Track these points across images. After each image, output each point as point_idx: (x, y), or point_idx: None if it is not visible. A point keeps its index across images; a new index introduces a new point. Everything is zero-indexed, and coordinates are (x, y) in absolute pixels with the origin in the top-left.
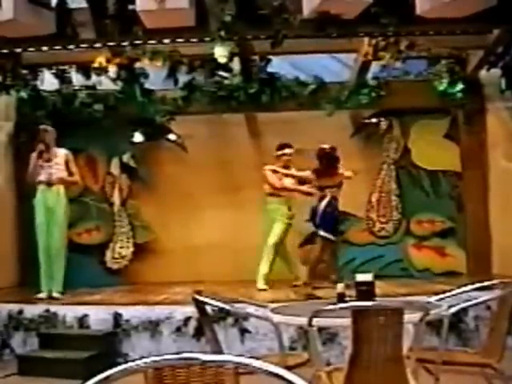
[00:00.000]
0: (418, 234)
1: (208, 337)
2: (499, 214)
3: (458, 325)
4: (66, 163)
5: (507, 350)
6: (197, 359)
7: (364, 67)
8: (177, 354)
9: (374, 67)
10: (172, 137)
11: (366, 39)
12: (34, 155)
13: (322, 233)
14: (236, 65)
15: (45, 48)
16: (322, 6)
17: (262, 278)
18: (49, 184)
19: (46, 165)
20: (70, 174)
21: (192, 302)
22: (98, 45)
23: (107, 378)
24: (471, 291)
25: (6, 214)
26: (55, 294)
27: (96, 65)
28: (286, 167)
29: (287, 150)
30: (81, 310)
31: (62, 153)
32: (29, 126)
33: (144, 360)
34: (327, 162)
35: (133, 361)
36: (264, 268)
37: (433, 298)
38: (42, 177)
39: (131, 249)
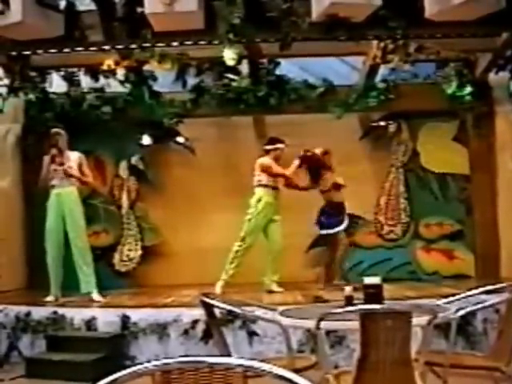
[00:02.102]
0: (427, 236)
1: (216, 339)
2: (508, 216)
3: (466, 328)
4: (79, 166)
5: None
6: (205, 362)
7: (372, 70)
8: (185, 356)
9: (383, 70)
10: (180, 139)
11: (375, 42)
12: (46, 159)
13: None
14: (244, 67)
15: (53, 50)
16: (331, 9)
17: (275, 280)
18: (64, 187)
19: (59, 169)
20: (84, 176)
21: (200, 304)
22: (106, 47)
23: (115, 380)
24: (480, 294)
25: (14, 217)
26: (96, 297)
27: (104, 67)
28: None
29: (280, 145)
30: (88, 313)
31: (75, 156)
32: (37, 128)
33: (152, 363)
34: None
35: (141, 363)
36: (275, 270)
37: (441, 301)
38: (56, 181)
39: (139, 251)
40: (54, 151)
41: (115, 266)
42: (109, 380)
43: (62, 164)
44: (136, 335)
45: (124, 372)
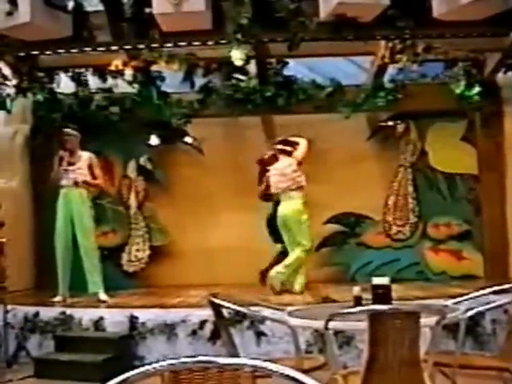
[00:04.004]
0: (435, 237)
1: (224, 340)
2: None
3: (474, 328)
4: (90, 166)
5: None
6: (214, 362)
7: (381, 70)
8: (194, 357)
9: (391, 70)
10: (188, 140)
11: (383, 42)
12: (58, 158)
13: None
14: (252, 68)
15: (61, 51)
16: (339, 8)
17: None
18: (72, 187)
19: (69, 169)
20: (94, 177)
21: (208, 304)
22: (114, 48)
23: (125, 380)
24: (488, 294)
25: (22, 217)
26: (102, 297)
27: (112, 68)
28: None
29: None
30: (97, 313)
31: (85, 156)
32: (45, 128)
33: (162, 363)
34: None
35: (150, 364)
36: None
37: (450, 302)
38: (65, 181)
39: (147, 252)
40: (61, 153)
41: (123, 266)
42: (119, 380)
43: (71, 164)
44: (144, 335)
45: (134, 372)
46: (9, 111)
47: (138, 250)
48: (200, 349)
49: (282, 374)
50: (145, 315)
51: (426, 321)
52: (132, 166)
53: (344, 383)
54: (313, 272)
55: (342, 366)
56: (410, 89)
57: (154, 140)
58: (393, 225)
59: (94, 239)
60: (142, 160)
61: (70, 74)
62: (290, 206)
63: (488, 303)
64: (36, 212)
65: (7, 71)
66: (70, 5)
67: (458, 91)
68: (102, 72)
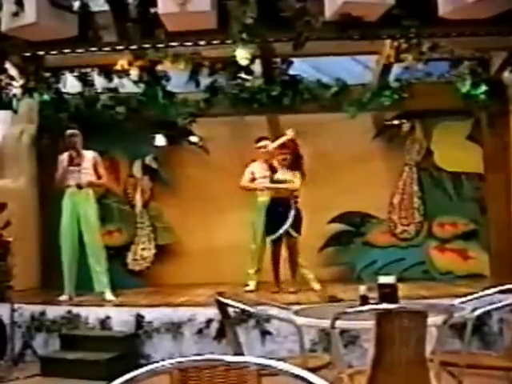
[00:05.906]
0: (441, 236)
1: (229, 338)
2: None
3: (481, 328)
4: (94, 166)
5: None
6: (222, 360)
7: (386, 69)
8: (201, 355)
9: (396, 69)
10: (194, 139)
11: (388, 41)
12: (62, 159)
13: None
14: (258, 67)
15: (67, 51)
16: (344, 8)
17: None
18: (78, 188)
19: (75, 169)
20: (99, 176)
21: (214, 303)
22: (120, 47)
23: (133, 378)
24: (495, 294)
25: (29, 216)
26: (108, 297)
27: (118, 67)
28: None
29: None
30: (103, 312)
31: (89, 156)
32: (51, 128)
33: (170, 361)
34: None
35: (156, 362)
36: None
37: (456, 301)
38: (71, 181)
39: (153, 251)
40: (72, 152)
41: (129, 265)
42: (127, 378)
43: (78, 164)
44: (150, 334)
45: (142, 370)
46: (15, 111)
47: (143, 249)
48: (206, 347)
49: (289, 372)
50: (151, 314)
51: (433, 320)
52: (138, 165)
53: (350, 382)
54: (318, 271)
55: (347, 366)
56: (415, 88)
57: (159, 139)
58: (398, 224)
59: (100, 238)
60: (148, 159)
61: (75, 73)
62: None
63: (494, 303)
64: (42, 211)
65: (13, 71)
66: (76, 5)
67: (463, 90)
68: (107, 72)
